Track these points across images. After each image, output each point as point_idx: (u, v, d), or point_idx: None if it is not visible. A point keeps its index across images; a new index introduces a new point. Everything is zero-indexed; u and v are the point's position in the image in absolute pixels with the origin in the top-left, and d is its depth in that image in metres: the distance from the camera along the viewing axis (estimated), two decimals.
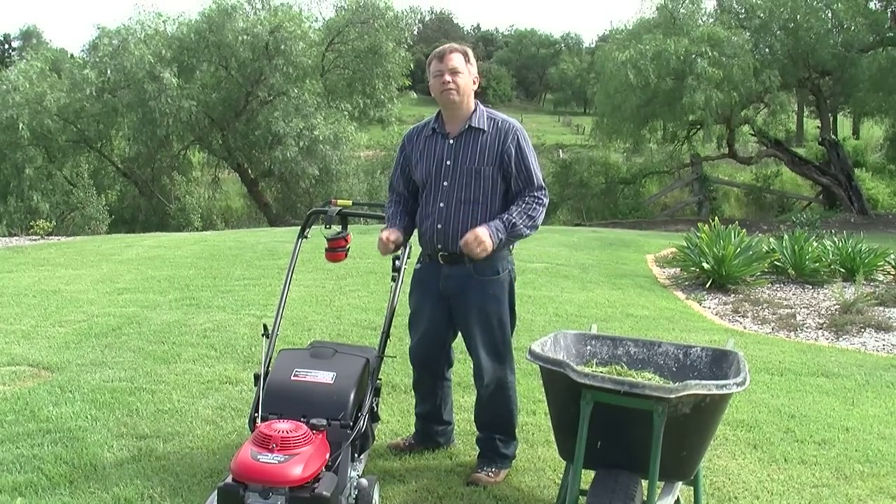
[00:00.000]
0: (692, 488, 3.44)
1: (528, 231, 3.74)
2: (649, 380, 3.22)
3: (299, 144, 20.42)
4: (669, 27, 20.95)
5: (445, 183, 3.77)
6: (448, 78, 3.72)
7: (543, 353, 3.18)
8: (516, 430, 4.05)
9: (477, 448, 4.03)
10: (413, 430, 4.26)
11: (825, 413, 4.98)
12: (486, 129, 3.75)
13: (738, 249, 9.09)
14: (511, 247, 3.90)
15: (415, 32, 25.93)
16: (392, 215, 3.94)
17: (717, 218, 10.48)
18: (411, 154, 3.91)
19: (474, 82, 3.80)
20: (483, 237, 3.60)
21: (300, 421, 3.13)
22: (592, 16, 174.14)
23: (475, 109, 3.80)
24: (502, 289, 3.84)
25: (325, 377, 3.38)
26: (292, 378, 3.39)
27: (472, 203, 3.73)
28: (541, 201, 3.74)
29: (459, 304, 3.84)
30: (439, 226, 3.77)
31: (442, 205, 3.77)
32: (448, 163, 3.76)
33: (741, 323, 7.72)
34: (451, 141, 3.78)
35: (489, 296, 3.81)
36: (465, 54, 3.78)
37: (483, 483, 3.80)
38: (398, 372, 5.11)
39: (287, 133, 20.28)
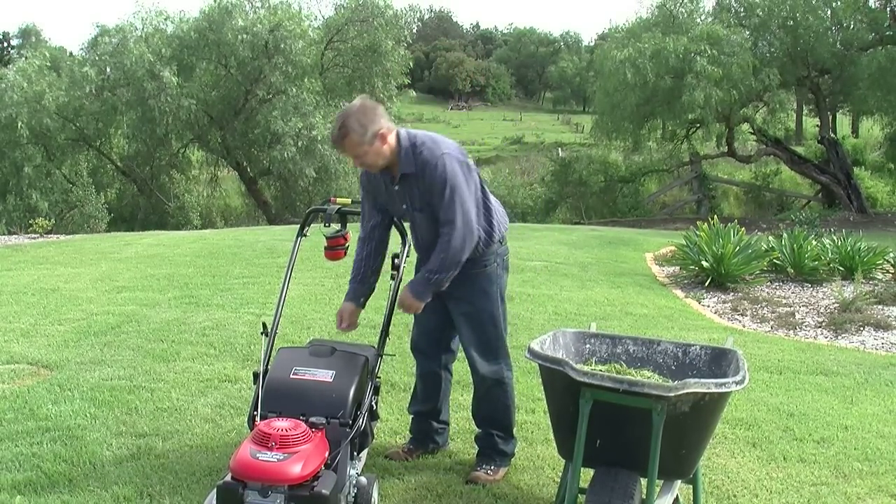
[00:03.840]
0: (691, 487, 3.44)
1: (453, 271, 3.60)
2: (648, 378, 3.22)
3: (298, 144, 20.40)
4: (668, 26, 20.94)
5: (410, 221, 3.80)
6: (356, 162, 3.58)
7: (543, 351, 3.18)
8: (514, 428, 4.04)
9: (476, 446, 4.03)
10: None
11: (824, 411, 4.99)
12: (414, 170, 3.57)
13: (738, 248, 9.09)
14: (501, 238, 3.87)
15: (414, 31, 25.93)
16: (354, 275, 3.85)
17: (716, 216, 10.49)
18: (373, 190, 3.79)
19: (382, 138, 3.49)
20: (408, 302, 3.67)
21: (299, 419, 3.13)
22: (592, 14, 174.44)
23: (401, 152, 3.57)
24: (490, 282, 3.84)
25: (324, 375, 3.38)
26: (291, 376, 3.39)
27: (438, 236, 3.69)
28: (450, 236, 3.54)
29: (450, 300, 3.86)
30: (421, 251, 3.82)
31: (418, 235, 3.81)
32: (404, 206, 3.73)
33: (740, 321, 7.72)
34: (397, 186, 3.68)
35: (477, 290, 3.81)
36: (358, 132, 3.44)
37: (482, 481, 3.80)
38: (397, 370, 5.12)
39: (286, 132, 20.26)
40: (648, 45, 19.58)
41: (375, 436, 4.03)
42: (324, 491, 2.94)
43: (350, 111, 3.48)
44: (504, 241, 3.92)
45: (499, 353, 3.91)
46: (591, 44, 69.20)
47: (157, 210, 22.10)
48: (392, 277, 3.96)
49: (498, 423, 3.96)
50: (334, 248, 3.93)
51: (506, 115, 64.64)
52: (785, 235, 9.92)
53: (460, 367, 4.70)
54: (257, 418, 3.32)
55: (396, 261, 3.92)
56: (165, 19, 22.06)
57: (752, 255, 9.18)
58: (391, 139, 3.53)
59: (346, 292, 3.86)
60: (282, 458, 2.92)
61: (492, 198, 3.85)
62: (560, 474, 3.58)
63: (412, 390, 4.28)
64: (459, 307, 3.85)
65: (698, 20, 21.73)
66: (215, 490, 2.98)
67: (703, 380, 2.96)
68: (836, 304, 7.96)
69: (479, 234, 3.69)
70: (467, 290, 3.81)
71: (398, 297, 3.73)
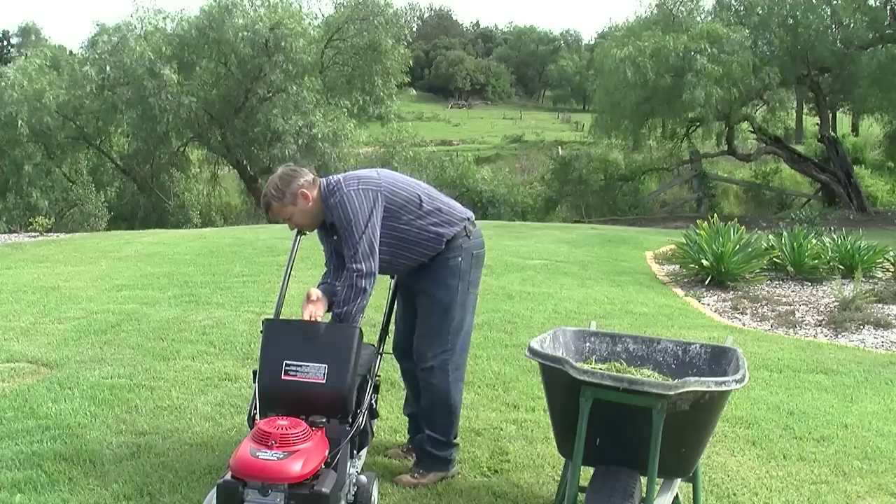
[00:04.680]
0: (691, 485, 3.44)
1: (359, 301, 3.53)
2: (648, 377, 3.21)
3: (298, 142, 20.41)
4: (668, 24, 20.98)
5: None
6: (290, 226, 3.71)
7: (543, 349, 3.18)
8: (454, 436, 3.87)
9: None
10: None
11: (824, 410, 4.99)
12: (332, 218, 3.63)
13: (738, 246, 9.09)
14: (466, 233, 3.78)
15: (414, 29, 25.94)
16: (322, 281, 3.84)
17: (716, 215, 10.48)
18: (324, 240, 3.88)
19: (303, 196, 3.58)
20: None
21: (299, 417, 3.13)
22: (591, 13, 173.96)
23: (323, 206, 3.64)
24: (452, 274, 3.75)
25: (316, 374, 3.33)
26: (284, 377, 3.34)
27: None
28: (351, 269, 3.53)
29: (416, 294, 3.84)
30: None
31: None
32: (346, 252, 3.72)
33: (740, 320, 7.72)
34: (335, 236, 3.72)
35: (438, 281, 3.75)
36: (276, 196, 3.59)
37: (402, 484, 3.74)
38: (397, 369, 5.10)
39: (286, 130, 20.27)
40: (648, 44, 19.60)
41: (375, 434, 4.03)
42: (324, 489, 2.93)
43: (269, 181, 3.65)
44: (471, 234, 3.81)
45: (444, 347, 3.76)
46: (591, 42, 69.22)
47: (157, 208, 22.09)
48: (391, 276, 3.96)
49: (433, 423, 3.83)
50: None
51: (506, 114, 64.58)
52: (785, 234, 9.93)
53: None
54: (257, 417, 3.31)
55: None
56: (164, 18, 22.07)
57: (752, 253, 9.17)
58: (314, 194, 3.61)
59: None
60: (282, 456, 2.91)
61: (428, 203, 3.74)
62: (560, 473, 3.58)
63: (406, 392, 4.27)
64: (420, 299, 3.82)
65: (698, 18, 21.77)
66: (215, 489, 2.98)
67: (702, 378, 2.95)
68: (836, 303, 7.96)
69: (422, 236, 3.68)
70: (429, 281, 3.77)
71: None
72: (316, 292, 3.61)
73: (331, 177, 3.72)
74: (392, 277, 3.96)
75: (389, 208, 3.64)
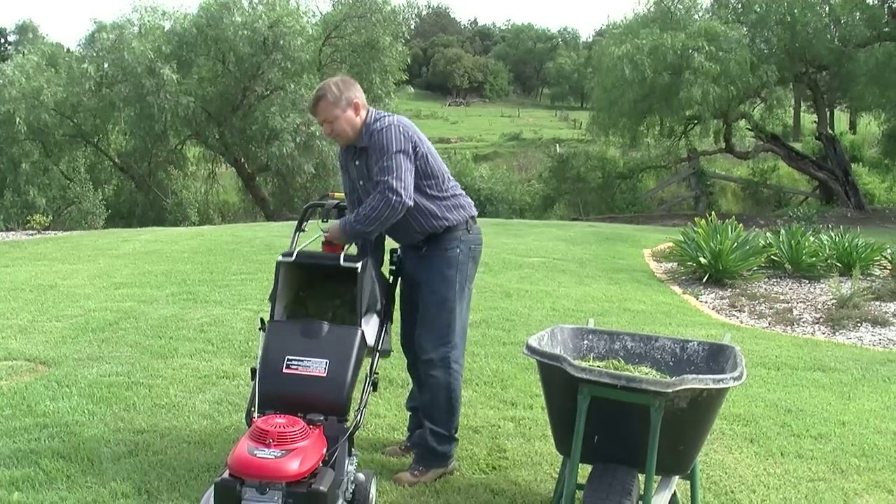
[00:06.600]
0: (689, 482, 3.45)
1: (374, 227, 3.58)
2: (646, 374, 3.22)
3: (296, 140, 20.40)
4: (666, 22, 20.98)
5: (363, 197, 3.76)
6: (327, 129, 3.76)
7: (541, 347, 3.18)
8: (454, 430, 3.88)
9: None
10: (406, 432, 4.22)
11: (821, 407, 4.99)
12: (367, 143, 3.68)
13: (735, 244, 9.10)
14: (466, 226, 3.82)
15: (412, 27, 25.89)
16: None
17: (713, 212, 10.50)
18: (344, 167, 3.92)
19: (355, 107, 3.68)
20: (332, 234, 3.68)
21: (297, 416, 3.13)
22: (590, 10, 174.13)
23: (364, 128, 3.72)
24: (449, 265, 3.78)
25: (318, 368, 3.34)
26: (284, 371, 3.35)
27: None
28: (383, 196, 3.53)
29: (416, 286, 3.86)
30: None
31: None
32: (361, 183, 3.77)
33: (738, 317, 7.73)
34: (357, 161, 3.76)
35: (435, 272, 3.78)
36: (333, 94, 3.67)
37: (403, 482, 3.72)
38: (395, 366, 5.11)
39: (284, 128, 20.25)
40: (646, 42, 19.61)
41: (375, 432, 4.01)
42: (321, 488, 2.93)
43: (330, 79, 3.77)
44: (471, 229, 3.86)
45: (446, 341, 3.78)
46: (589, 40, 69.32)
47: (155, 206, 22.08)
48: (391, 272, 3.96)
49: (434, 417, 3.82)
50: (332, 244, 3.91)
51: (503, 112, 64.60)
52: (782, 231, 9.94)
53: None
54: (255, 415, 3.31)
55: (394, 256, 3.93)
56: (163, 15, 22.04)
57: (750, 251, 9.18)
58: (363, 113, 3.73)
59: None
60: (279, 454, 2.91)
61: (450, 185, 3.82)
62: (558, 470, 3.58)
63: (410, 387, 4.28)
64: (420, 291, 3.83)
65: (696, 16, 21.80)
66: (213, 487, 2.97)
67: (700, 376, 2.95)
68: (834, 301, 7.96)
69: (430, 211, 3.72)
70: (427, 272, 3.80)
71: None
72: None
73: (382, 111, 3.79)
74: (391, 274, 3.95)
75: (417, 172, 3.68)
